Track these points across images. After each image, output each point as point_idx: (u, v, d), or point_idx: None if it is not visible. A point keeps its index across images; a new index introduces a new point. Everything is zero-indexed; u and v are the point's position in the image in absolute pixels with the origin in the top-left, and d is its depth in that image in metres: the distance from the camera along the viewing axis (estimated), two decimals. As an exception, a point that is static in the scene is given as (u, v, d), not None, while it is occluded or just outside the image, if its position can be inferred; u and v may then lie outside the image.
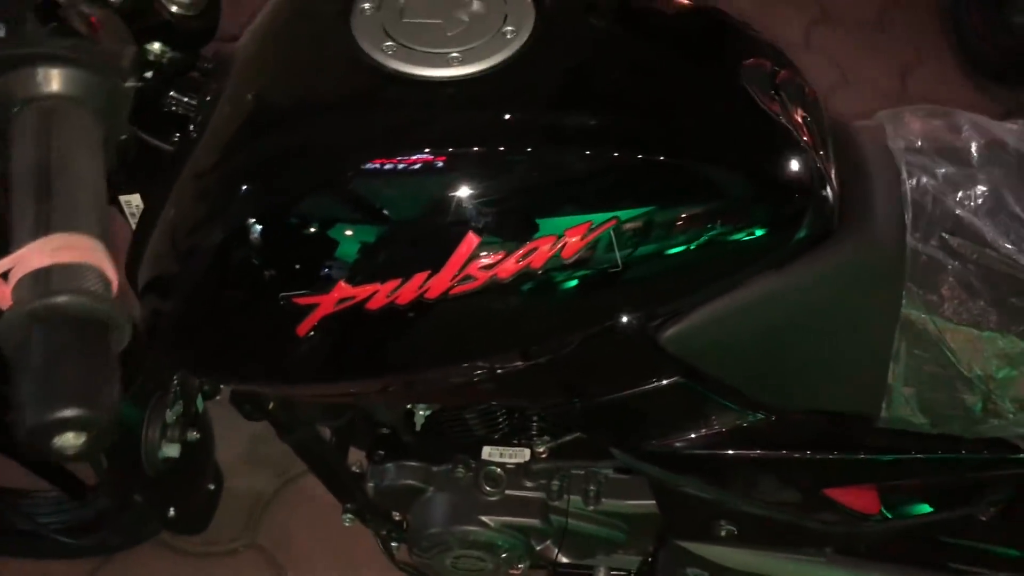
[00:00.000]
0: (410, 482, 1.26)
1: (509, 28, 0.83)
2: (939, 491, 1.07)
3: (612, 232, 0.80)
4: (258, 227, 0.80)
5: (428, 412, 1.14)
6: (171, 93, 0.93)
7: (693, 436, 1.03)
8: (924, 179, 0.98)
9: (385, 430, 1.28)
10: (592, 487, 1.22)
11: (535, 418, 1.24)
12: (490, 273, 0.80)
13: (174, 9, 0.86)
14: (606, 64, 0.86)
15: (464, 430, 1.23)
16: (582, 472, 1.25)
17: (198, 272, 0.85)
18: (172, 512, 1.41)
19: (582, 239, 0.80)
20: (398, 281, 0.80)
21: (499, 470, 1.25)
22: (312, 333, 0.83)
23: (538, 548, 1.26)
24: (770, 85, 0.89)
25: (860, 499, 1.06)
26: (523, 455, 1.24)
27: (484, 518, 1.23)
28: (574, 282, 0.82)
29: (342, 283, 0.80)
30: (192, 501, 1.47)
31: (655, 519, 1.23)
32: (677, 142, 0.83)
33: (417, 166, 0.78)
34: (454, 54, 0.81)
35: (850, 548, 1.12)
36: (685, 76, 0.89)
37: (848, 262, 0.91)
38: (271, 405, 1.18)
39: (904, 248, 0.92)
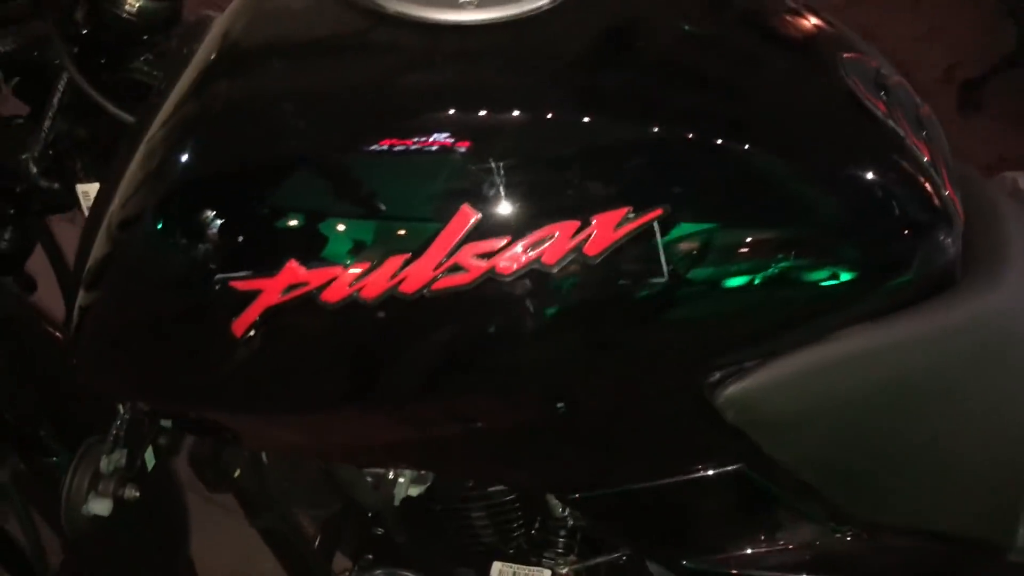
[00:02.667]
0: (400, 591, 1.02)
1: None
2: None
3: (657, 227, 0.60)
4: (195, 186, 0.62)
5: (420, 490, 0.91)
6: (144, 59, 0.78)
7: (754, 551, 0.78)
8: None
9: (379, 530, 1.05)
10: None
11: (560, 531, 1.00)
12: (488, 264, 0.60)
13: None
14: (672, 25, 0.67)
15: (471, 535, 1.00)
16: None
17: (128, 250, 0.67)
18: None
19: (615, 230, 0.59)
20: (365, 265, 0.60)
21: (508, 592, 1.00)
22: (252, 334, 0.63)
23: None
24: (877, 85, 0.69)
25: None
26: None
27: (483, 651, 0.98)
28: (601, 292, 0.61)
29: (293, 262, 0.61)
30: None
31: None
32: (755, 126, 0.63)
33: (402, 120, 0.60)
34: (469, -5, 0.64)
35: None
36: (773, 50, 0.70)
37: (978, 317, 0.68)
38: (237, 473, 0.97)
39: None
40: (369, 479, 0.90)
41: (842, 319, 0.67)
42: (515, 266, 0.60)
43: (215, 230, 0.62)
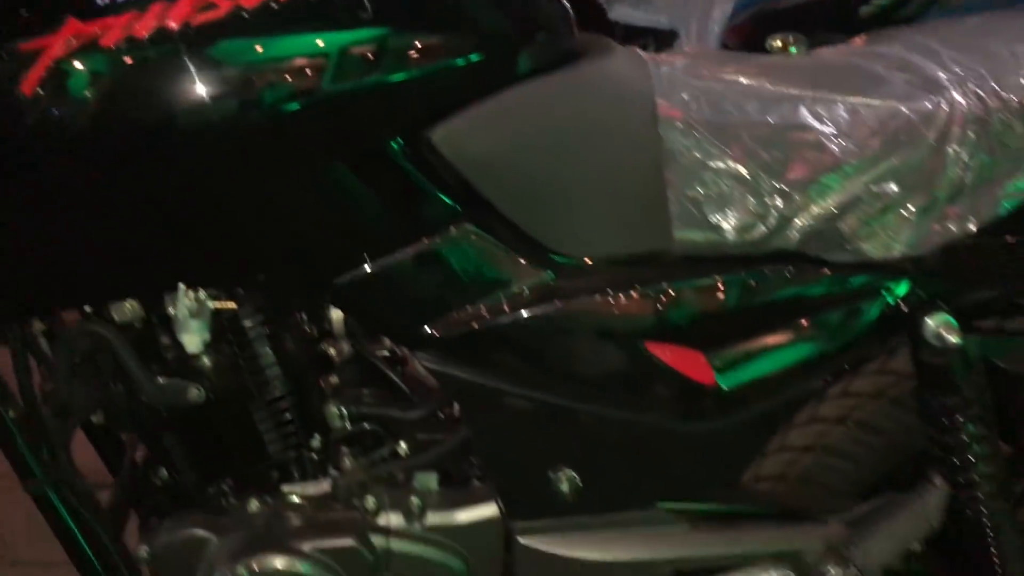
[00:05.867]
0: (193, 532, 1.04)
1: None
2: (768, 349, 1.00)
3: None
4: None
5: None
6: None
7: (486, 304, 0.94)
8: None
9: (163, 474, 1.08)
10: (415, 500, 1.05)
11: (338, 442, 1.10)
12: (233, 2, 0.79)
13: None
14: None
15: (254, 449, 1.06)
16: (402, 489, 1.08)
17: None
18: None
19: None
20: (133, 13, 0.77)
21: (301, 500, 1.06)
22: (41, 91, 0.76)
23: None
24: None
25: (689, 363, 0.97)
26: (326, 486, 1.07)
27: (286, 544, 1.01)
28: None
29: (72, 19, 0.76)
30: None
31: (493, 531, 1.06)
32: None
33: None
34: None
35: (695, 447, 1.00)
36: None
37: (599, 71, 0.95)
38: (12, 415, 0.99)
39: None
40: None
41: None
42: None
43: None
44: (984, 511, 1.07)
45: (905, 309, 1.00)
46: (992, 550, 1.09)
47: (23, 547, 1.95)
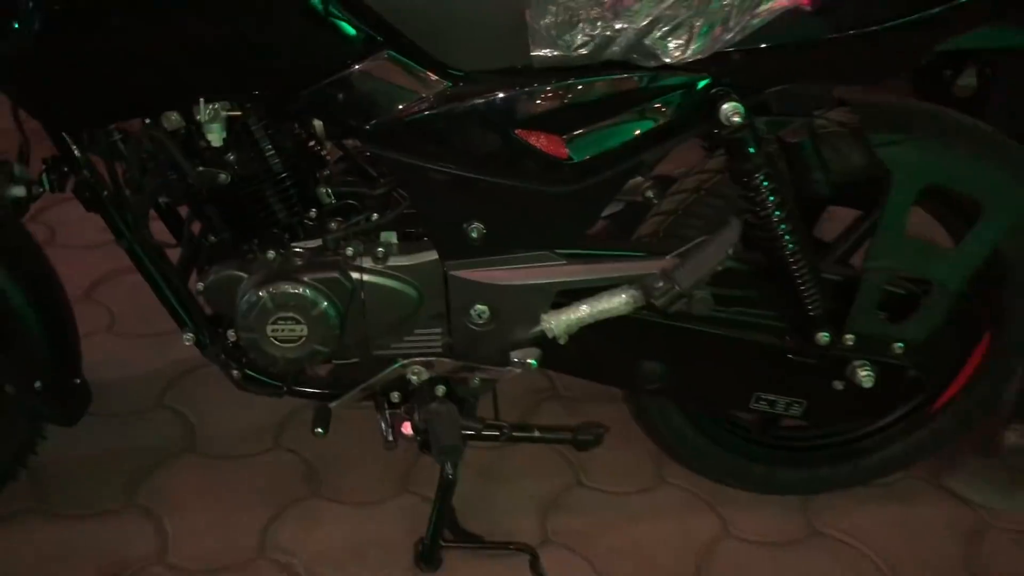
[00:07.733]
0: (232, 272, 1.56)
1: None
2: (606, 131, 1.42)
3: None
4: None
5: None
6: None
7: (406, 107, 1.39)
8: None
9: (211, 239, 1.59)
10: (380, 248, 1.53)
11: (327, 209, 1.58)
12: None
13: None
14: None
15: (272, 224, 1.55)
16: (371, 242, 1.57)
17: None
18: (39, 384, 1.64)
19: None
20: None
21: (302, 250, 1.56)
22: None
23: (343, 305, 1.53)
24: None
25: (549, 143, 1.41)
26: (319, 242, 1.56)
27: (293, 277, 1.52)
28: None
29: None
30: (57, 378, 1.69)
31: (434, 268, 1.53)
32: None
33: None
34: None
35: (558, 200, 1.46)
36: None
37: None
38: (105, 193, 1.50)
39: None
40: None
41: None
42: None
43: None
44: (784, 247, 1.50)
45: (707, 100, 1.41)
46: (794, 277, 1.53)
47: (132, 321, 2.51)
